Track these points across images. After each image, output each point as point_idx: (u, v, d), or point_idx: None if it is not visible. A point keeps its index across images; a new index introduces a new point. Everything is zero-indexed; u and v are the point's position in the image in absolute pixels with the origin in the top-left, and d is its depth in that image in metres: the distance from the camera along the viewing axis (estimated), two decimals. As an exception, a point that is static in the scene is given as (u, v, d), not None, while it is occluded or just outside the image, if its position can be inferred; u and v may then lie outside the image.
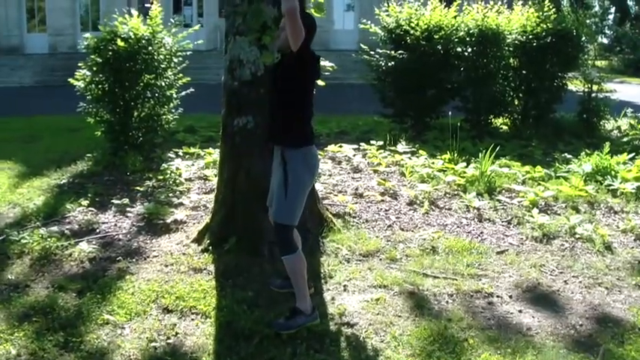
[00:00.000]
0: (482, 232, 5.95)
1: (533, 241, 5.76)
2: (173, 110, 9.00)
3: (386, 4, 10.64)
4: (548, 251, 5.53)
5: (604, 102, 11.03)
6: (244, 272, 4.82)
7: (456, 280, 4.85)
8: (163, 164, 7.93)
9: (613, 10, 47.28)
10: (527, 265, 5.19)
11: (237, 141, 5.28)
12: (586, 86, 11.08)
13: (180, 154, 8.63)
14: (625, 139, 10.17)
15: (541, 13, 10.33)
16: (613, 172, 7.45)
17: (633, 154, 8.36)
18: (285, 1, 3.69)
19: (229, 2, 5.36)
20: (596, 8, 48.54)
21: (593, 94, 11.03)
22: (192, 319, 4.16)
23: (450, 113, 9.93)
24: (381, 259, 5.24)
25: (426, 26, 9.94)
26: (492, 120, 10.85)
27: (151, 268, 4.97)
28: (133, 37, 8.22)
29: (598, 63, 27.58)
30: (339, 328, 4.07)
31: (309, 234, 5.30)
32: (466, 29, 10.18)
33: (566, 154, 8.91)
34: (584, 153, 8.49)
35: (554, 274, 5.07)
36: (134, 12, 8.51)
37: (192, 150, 8.64)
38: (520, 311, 4.41)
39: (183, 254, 5.20)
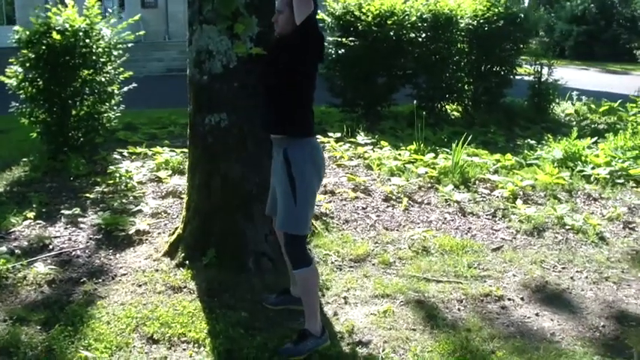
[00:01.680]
0: (469, 228, 5.64)
1: (524, 234, 5.50)
2: (115, 107, 8.29)
3: None
4: (543, 245, 5.27)
5: (553, 86, 10.99)
6: (230, 289, 4.30)
7: (461, 283, 4.50)
8: (110, 167, 7.24)
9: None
10: (527, 262, 4.91)
11: (209, 142, 4.72)
12: (535, 70, 11.00)
13: (126, 154, 7.93)
14: (584, 123, 10.13)
15: None
16: (583, 158, 7.29)
17: (596, 137, 8.28)
18: None
19: (193, -14, 4.78)
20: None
21: (543, 78, 10.96)
22: (184, 349, 3.63)
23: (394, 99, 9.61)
24: (374, 264, 4.83)
25: (377, 12, 9.55)
26: (445, 106, 10.60)
27: (122, 289, 4.38)
28: (69, 29, 7.47)
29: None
30: (353, 350, 3.63)
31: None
32: (418, 14, 9.85)
33: (528, 140, 8.75)
34: (548, 138, 8.34)
35: (557, 270, 4.80)
36: (68, 1, 7.73)
37: (138, 150, 7.96)
38: (537, 314, 4.11)
39: (156, 270, 4.62)
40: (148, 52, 21.26)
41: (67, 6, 7.73)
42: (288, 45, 3.47)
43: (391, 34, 9.57)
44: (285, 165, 3.46)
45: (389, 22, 9.54)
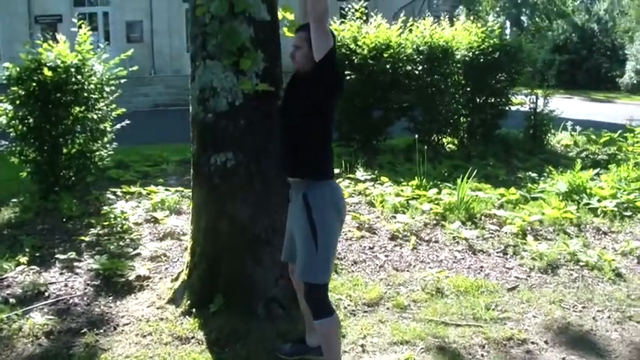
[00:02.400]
0: (481, 267, 5.47)
1: (539, 272, 5.33)
2: (107, 145, 8.08)
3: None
4: (559, 283, 5.10)
5: (549, 117, 10.95)
6: (241, 338, 4.07)
7: (481, 326, 4.31)
8: (104, 207, 7.02)
9: (508, 24, 49.20)
10: (545, 302, 4.74)
11: (215, 182, 4.52)
12: (531, 101, 10.96)
13: (120, 194, 7.68)
14: (583, 154, 10.07)
15: (486, 29, 10.12)
16: (588, 190, 7.18)
17: (598, 169, 8.20)
18: (318, 5, 3.11)
19: (195, 22, 4.60)
20: (490, 23, 50.65)
21: (539, 109, 10.92)
22: (197, 407, 3.40)
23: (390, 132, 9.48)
24: (388, 308, 4.63)
25: (373, 45, 9.47)
26: (442, 139, 10.48)
27: (125, 340, 4.14)
28: (61, 65, 7.29)
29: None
30: (378, 404, 3.43)
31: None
32: (414, 47, 9.78)
33: (529, 172, 8.65)
34: (550, 171, 8.24)
35: (577, 310, 4.63)
36: (60, 37, 7.57)
37: (132, 189, 7.73)
38: (564, 359, 3.92)
39: (161, 319, 4.38)
40: (133, 87, 21.07)
41: (58, 41, 7.57)
42: (308, 81, 3.32)
43: (387, 67, 9.48)
44: (306, 210, 3.28)
45: (385, 55, 9.46)
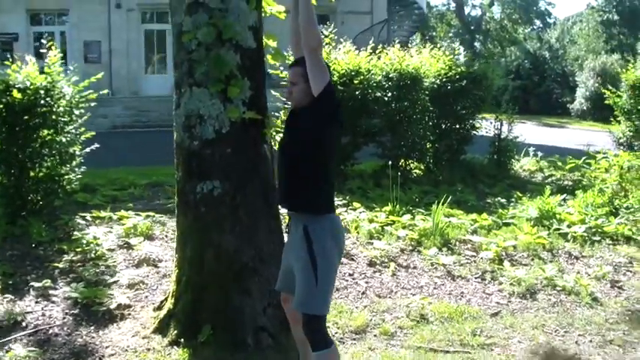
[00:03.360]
0: (462, 293, 5.53)
1: (518, 297, 5.43)
2: (76, 169, 7.92)
3: None
4: (539, 308, 5.20)
5: (513, 143, 11.20)
6: (232, 369, 4.03)
7: (469, 352, 4.36)
8: (75, 232, 6.85)
9: (462, 50, 50.31)
10: (528, 327, 4.82)
11: (202, 211, 4.47)
12: (495, 127, 11.20)
13: (89, 218, 7.52)
14: (548, 180, 10.30)
15: (453, 57, 10.33)
16: (557, 216, 7.34)
17: (565, 195, 8.41)
18: (312, 36, 3.16)
19: (180, 48, 4.58)
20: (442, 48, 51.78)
21: (503, 135, 11.15)
22: None
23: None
24: (375, 335, 4.64)
25: (343, 71, 9.55)
26: (409, 164, 10.59)
27: (112, 373, 4.05)
28: (30, 87, 7.13)
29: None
30: None
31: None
32: (384, 73, 9.90)
33: (498, 198, 8.82)
34: (519, 197, 8.42)
35: (560, 335, 4.73)
36: (29, 58, 7.42)
37: (102, 214, 7.57)
38: (553, 386, 3.99)
39: (148, 349, 4.30)
40: (92, 108, 20.77)
41: (27, 63, 7.42)
42: (307, 115, 3.33)
43: (357, 93, 9.55)
44: (306, 242, 3.27)
45: (355, 81, 9.55)
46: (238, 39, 4.48)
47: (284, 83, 4.44)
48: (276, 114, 4.98)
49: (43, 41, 7.90)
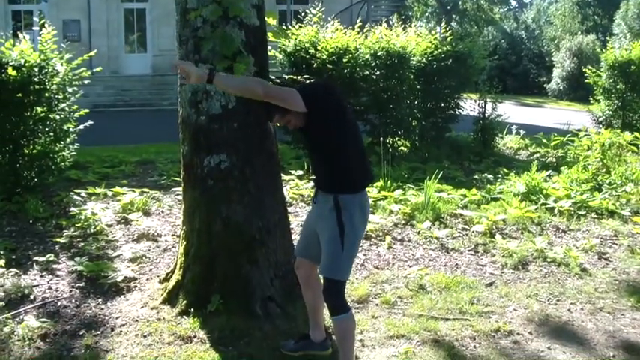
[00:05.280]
0: (457, 264, 5.72)
1: (511, 269, 5.62)
2: (70, 146, 7.97)
3: None
4: (532, 279, 5.41)
5: (497, 121, 11.42)
6: (244, 337, 4.16)
7: (468, 319, 4.55)
8: (72, 209, 6.93)
9: (439, 30, 50.41)
10: (522, 296, 5.03)
11: (209, 184, 4.58)
12: (480, 105, 11.40)
13: (84, 195, 7.58)
14: (532, 157, 10.54)
15: (439, 36, 10.49)
16: (544, 191, 7.57)
17: (549, 171, 8.65)
18: (254, 95, 3.44)
19: (185, 25, 4.66)
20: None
21: (487, 114, 11.37)
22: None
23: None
24: (377, 304, 4.81)
25: (332, 50, 9.65)
26: (396, 142, 10.76)
27: (126, 341, 4.16)
28: (24, 64, 7.15)
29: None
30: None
31: (296, 285, 4.73)
32: (372, 52, 10.02)
33: (485, 174, 9.03)
34: (506, 173, 8.63)
35: (553, 303, 4.93)
36: (24, 35, 7.42)
37: (98, 190, 7.64)
38: (549, 348, 4.20)
39: (158, 319, 4.42)
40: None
41: (20, 41, 7.43)
42: (311, 121, 3.47)
43: (345, 71, 9.67)
44: (335, 211, 3.43)
45: (344, 59, 9.66)
46: (243, 16, 4.56)
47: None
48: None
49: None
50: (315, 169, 3.75)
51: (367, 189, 3.65)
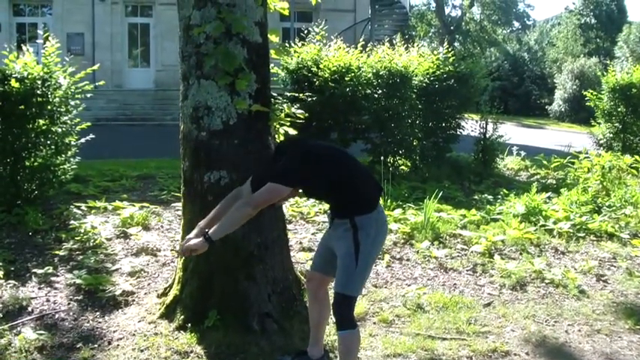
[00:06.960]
0: (455, 284, 5.72)
1: (509, 289, 5.62)
2: (71, 159, 8.00)
3: None
4: (530, 300, 5.41)
5: (498, 142, 11.45)
6: (240, 353, 4.16)
7: (465, 339, 4.54)
8: (72, 221, 6.93)
9: (442, 50, 50.66)
10: (520, 317, 5.02)
11: (209, 200, 4.59)
12: (481, 126, 11.44)
13: (84, 208, 7.58)
14: (533, 178, 10.56)
15: (441, 56, 10.54)
16: (543, 213, 7.58)
17: (549, 193, 8.66)
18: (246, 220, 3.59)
19: (188, 41, 4.69)
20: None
21: (488, 134, 11.40)
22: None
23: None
24: (374, 323, 4.81)
25: (335, 68, 9.71)
26: (397, 161, 10.79)
27: (123, 354, 4.16)
28: (28, 77, 7.19)
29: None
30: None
31: (297, 301, 4.74)
32: (374, 71, 10.08)
33: (485, 195, 9.03)
34: (505, 193, 8.64)
35: (550, 324, 4.93)
36: (27, 48, 7.47)
37: (98, 204, 7.65)
38: (546, 370, 4.19)
39: (155, 334, 4.41)
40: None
41: (23, 53, 7.47)
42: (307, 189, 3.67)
43: (347, 90, 9.72)
44: (352, 230, 3.47)
45: (346, 78, 9.72)
46: (246, 34, 4.60)
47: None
48: (280, 107, 5.09)
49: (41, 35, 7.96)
50: (327, 202, 3.85)
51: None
